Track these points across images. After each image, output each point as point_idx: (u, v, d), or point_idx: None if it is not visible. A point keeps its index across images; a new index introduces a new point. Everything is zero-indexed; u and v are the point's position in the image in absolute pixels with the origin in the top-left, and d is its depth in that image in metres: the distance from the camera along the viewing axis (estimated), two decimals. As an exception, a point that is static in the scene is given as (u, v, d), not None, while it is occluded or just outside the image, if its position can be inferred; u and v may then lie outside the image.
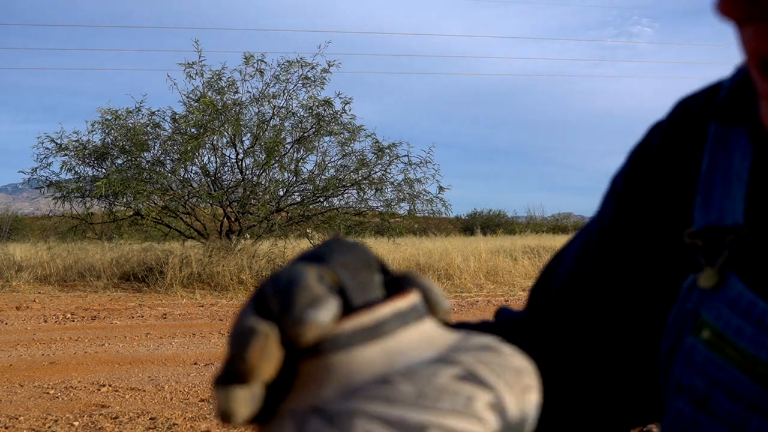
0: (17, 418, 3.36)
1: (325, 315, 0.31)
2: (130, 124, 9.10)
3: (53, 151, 9.24)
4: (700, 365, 0.42)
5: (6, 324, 6.28)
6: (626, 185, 0.51)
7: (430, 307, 0.36)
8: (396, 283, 0.36)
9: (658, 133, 0.51)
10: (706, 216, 0.44)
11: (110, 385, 3.85)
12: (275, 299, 0.32)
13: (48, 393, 3.81)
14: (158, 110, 9.29)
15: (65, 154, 9.20)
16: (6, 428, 3.20)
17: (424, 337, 0.34)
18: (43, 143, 9.21)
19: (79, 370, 4.30)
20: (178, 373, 4.03)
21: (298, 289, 0.32)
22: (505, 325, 0.57)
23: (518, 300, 7.73)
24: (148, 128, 9.11)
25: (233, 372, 0.31)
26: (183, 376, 3.97)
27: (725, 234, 0.43)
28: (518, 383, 0.32)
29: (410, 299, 0.34)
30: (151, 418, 3.28)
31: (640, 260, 0.49)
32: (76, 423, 3.27)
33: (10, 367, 4.47)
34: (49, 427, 3.20)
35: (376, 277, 0.36)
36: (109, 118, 9.16)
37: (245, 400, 0.31)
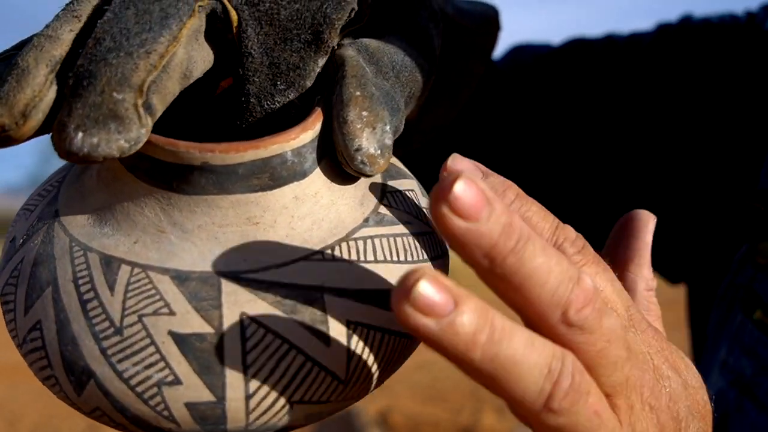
0: (21, 416, 3.38)
1: (97, 153, 0.21)
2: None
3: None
4: (749, 347, 0.38)
5: (8, 323, 6.29)
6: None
7: (336, 147, 0.24)
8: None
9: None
10: None
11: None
12: (89, 53, 0.22)
13: (50, 392, 3.83)
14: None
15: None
16: (11, 425, 3.21)
17: (244, 222, 0.23)
18: (45, 142, 9.21)
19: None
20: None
21: (104, 81, 0.21)
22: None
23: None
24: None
25: None
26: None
27: None
28: (285, 394, 0.22)
29: (261, 151, 0.23)
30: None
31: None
32: (78, 420, 3.29)
33: (13, 366, 4.49)
34: (53, 425, 3.22)
35: (313, 59, 0.25)
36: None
37: None
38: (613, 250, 0.28)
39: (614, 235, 0.29)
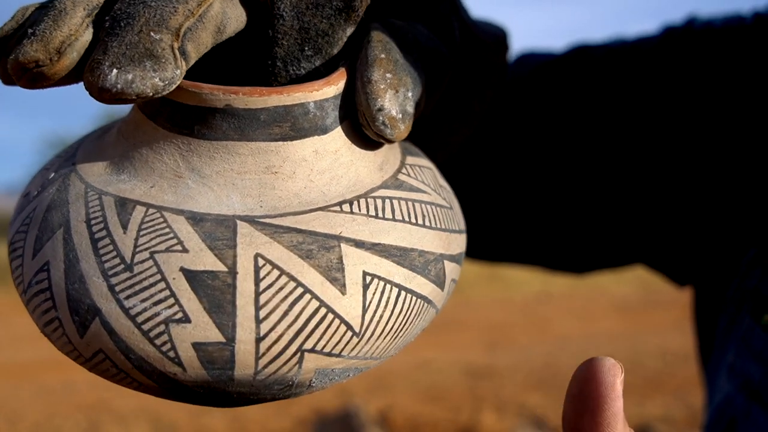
0: (21, 415, 3.39)
1: (131, 91, 0.21)
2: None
3: (57, 148, 9.29)
4: (757, 352, 0.37)
5: (8, 323, 6.30)
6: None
7: (357, 108, 0.24)
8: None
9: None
10: None
11: (113, 384, 3.87)
12: None
13: (51, 391, 3.83)
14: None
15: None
16: (12, 424, 3.22)
17: (263, 170, 0.23)
18: (46, 142, 9.25)
19: (81, 369, 4.30)
20: (180, 371, 4.05)
21: (142, 22, 0.22)
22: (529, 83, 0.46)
23: (521, 302, 7.72)
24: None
25: None
26: (185, 373, 3.98)
27: None
28: (295, 341, 0.21)
29: (283, 98, 0.23)
30: (153, 416, 3.31)
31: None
32: (80, 419, 3.29)
33: (13, 366, 4.49)
34: (54, 424, 3.23)
35: (342, 27, 0.25)
36: (113, 116, 9.21)
37: None
38: (575, 420, 0.21)
39: (574, 400, 0.21)
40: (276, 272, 0.21)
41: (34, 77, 0.22)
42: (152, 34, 0.21)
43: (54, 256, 0.22)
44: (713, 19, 0.45)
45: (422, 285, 0.23)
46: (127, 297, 0.21)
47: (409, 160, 0.26)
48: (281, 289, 0.21)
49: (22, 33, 0.22)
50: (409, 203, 0.24)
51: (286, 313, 0.21)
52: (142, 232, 0.21)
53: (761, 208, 0.39)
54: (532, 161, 0.45)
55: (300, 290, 0.21)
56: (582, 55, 0.46)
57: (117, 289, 0.21)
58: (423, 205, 0.24)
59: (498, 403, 3.45)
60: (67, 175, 0.24)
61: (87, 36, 0.22)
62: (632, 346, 4.68)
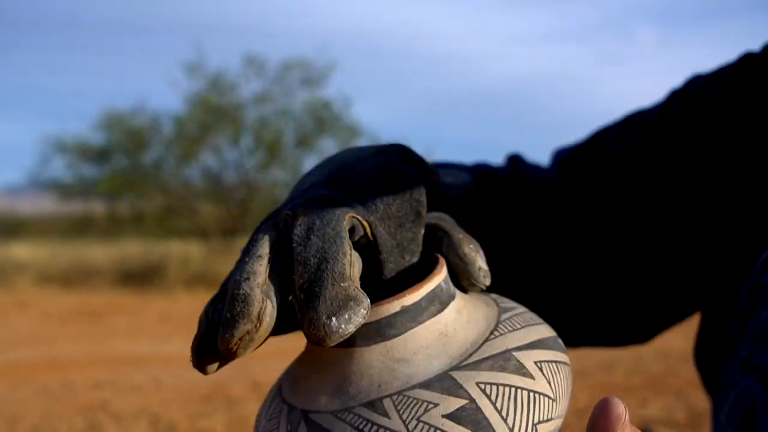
0: (20, 416, 3.38)
1: (352, 327, 0.30)
2: (132, 126, 9.14)
3: (56, 149, 9.28)
4: None
5: (8, 323, 6.29)
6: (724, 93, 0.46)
7: (461, 275, 0.34)
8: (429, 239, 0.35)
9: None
10: None
11: (112, 384, 3.87)
12: (302, 273, 0.31)
13: (50, 392, 3.82)
14: (160, 112, 9.32)
15: (68, 154, 9.24)
16: (11, 425, 3.21)
17: (438, 337, 0.32)
18: (45, 143, 9.24)
19: (81, 370, 4.31)
20: (179, 372, 4.03)
21: (330, 281, 0.30)
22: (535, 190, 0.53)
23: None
24: (152, 131, 9.18)
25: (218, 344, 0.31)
26: (184, 375, 3.98)
27: None
28: (529, 420, 0.30)
29: (428, 287, 0.32)
30: (153, 417, 3.30)
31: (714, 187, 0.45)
32: (78, 421, 3.28)
33: (13, 366, 4.48)
34: (53, 425, 3.22)
35: (420, 230, 0.35)
36: (112, 118, 9.19)
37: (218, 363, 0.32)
38: None
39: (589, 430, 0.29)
40: (495, 388, 0.30)
41: (246, 343, 0.30)
42: (342, 284, 0.30)
43: None
44: (711, 73, 0.48)
45: (561, 356, 0.33)
46: None
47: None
48: (504, 394, 0.30)
49: (218, 322, 0.31)
50: (523, 314, 0.34)
51: (516, 407, 0.30)
52: (400, 409, 0.30)
53: None
54: (579, 255, 0.50)
55: (513, 389, 0.30)
56: (596, 142, 0.52)
57: None
58: (526, 314, 0.35)
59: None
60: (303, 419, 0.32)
61: (268, 304, 0.30)
62: (633, 346, 4.65)
